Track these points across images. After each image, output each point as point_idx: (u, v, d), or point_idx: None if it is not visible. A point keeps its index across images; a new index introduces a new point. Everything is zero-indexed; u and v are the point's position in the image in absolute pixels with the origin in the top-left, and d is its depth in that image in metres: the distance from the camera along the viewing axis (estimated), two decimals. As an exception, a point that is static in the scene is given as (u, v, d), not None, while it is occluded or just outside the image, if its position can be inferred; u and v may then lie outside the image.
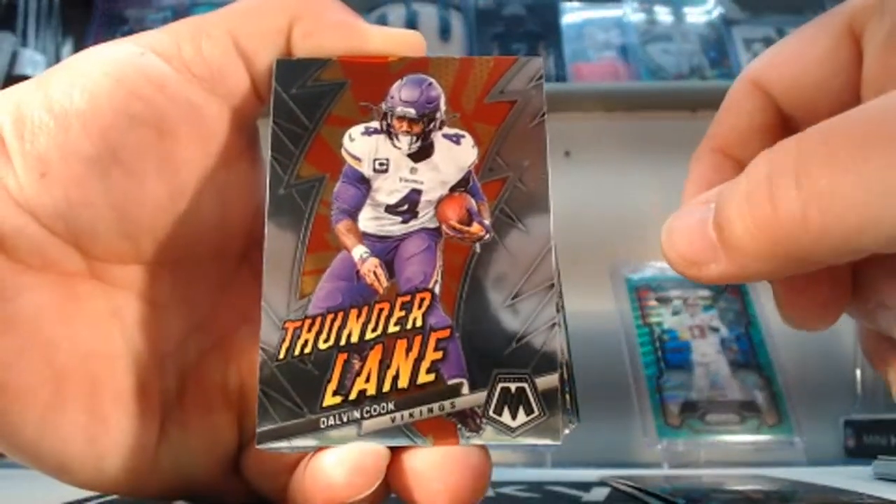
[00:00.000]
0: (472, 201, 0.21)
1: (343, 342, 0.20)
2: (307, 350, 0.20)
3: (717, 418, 0.64)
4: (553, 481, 0.44)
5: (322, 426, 0.20)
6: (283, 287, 0.20)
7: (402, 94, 0.22)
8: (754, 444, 0.64)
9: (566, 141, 0.85)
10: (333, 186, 0.21)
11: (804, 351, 0.72)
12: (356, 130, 0.22)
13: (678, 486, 0.38)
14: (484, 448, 0.20)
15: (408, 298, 0.20)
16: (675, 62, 0.89)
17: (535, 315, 0.20)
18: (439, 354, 0.20)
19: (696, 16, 0.93)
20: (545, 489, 0.40)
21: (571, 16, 0.92)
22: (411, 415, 0.20)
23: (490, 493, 0.37)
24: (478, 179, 0.21)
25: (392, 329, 0.20)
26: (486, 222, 0.21)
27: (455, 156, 0.21)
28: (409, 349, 0.20)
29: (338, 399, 0.20)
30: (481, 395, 0.20)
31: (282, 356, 0.20)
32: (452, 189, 0.21)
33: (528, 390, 0.20)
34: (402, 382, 0.20)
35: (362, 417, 0.20)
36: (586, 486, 0.41)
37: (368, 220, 0.21)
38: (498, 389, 0.20)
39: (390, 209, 0.21)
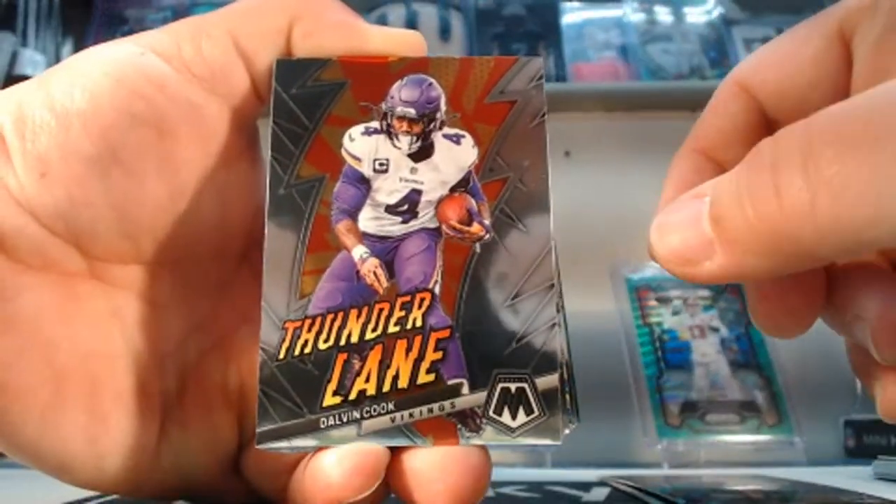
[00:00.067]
0: (472, 201, 0.21)
1: (343, 342, 0.20)
2: (307, 350, 0.20)
3: (717, 418, 0.64)
4: (553, 481, 0.44)
5: (322, 426, 0.20)
6: (283, 287, 0.20)
7: (402, 94, 0.22)
8: (754, 444, 0.64)
9: (566, 141, 0.85)
10: (333, 186, 0.21)
11: (804, 351, 0.72)
12: (356, 130, 0.22)
13: (678, 486, 0.38)
14: (484, 448, 0.20)
15: (408, 298, 0.20)
16: (675, 62, 0.89)
17: (535, 315, 0.20)
18: (439, 354, 0.20)
19: (696, 16, 0.93)
20: (545, 489, 0.40)
21: (571, 16, 0.92)
22: (411, 415, 0.20)
23: (490, 493, 0.37)
24: (478, 179, 0.21)
25: (392, 329, 0.20)
26: (486, 222, 0.21)
27: (455, 156, 0.21)
28: (409, 349, 0.20)
29: (338, 399, 0.20)
30: (481, 396, 0.20)
31: (282, 356, 0.20)
32: (452, 189, 0.21)
33: (528, 390, 0.20)
34: (402, 382, 0.20)
35: (362, 417, 0.20)
36: (586, 486, 0.41)
37: (368, 220, 0.21)
38: (498, 389, 0.20)
39: (390, 209, 0.21)
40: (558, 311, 0.21)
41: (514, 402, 0.20)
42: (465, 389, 0.20)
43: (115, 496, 0.25)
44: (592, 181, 0.83)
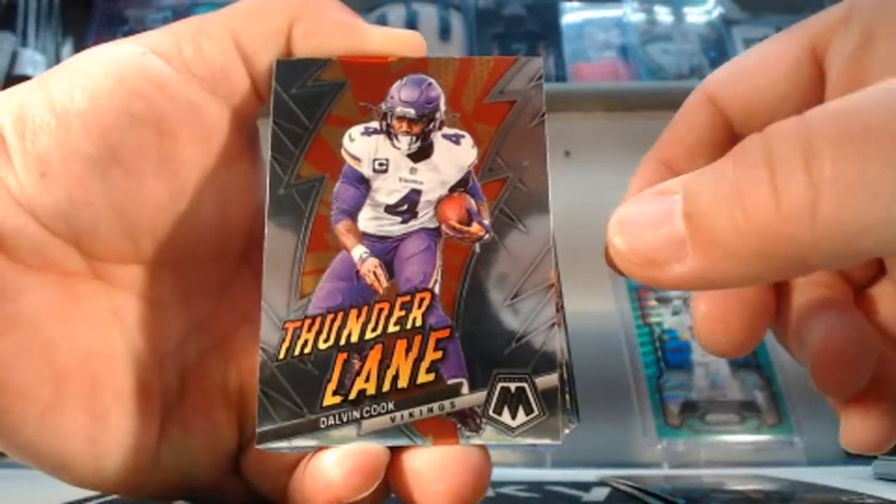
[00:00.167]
0: (472, 201, 0.21)
1: (343, 342, 0.20)
2: (307, 350, 0.20)
3: (717, 418, 0.64)
4: (553, 481, 0.44)
5: (322, 426, 0.20)
6: (283, 287, 0.20)
7: (401, 94, 0.22)
8: (754, 444, 0.64)
9: (566, 141, 0.85)
10: (333, 186, 0.21)
11: (804, 351, 0.72)
12: (356, 130, 0.22)
13: (678, 486, 0.38)
14: (484, 448, 0.20)
15: (407, 298, 0.20)
16: (675, 62, 0.89)
17: (535, 315, 0.20)
18: (439, 354, 0.20)
19: (696, 16, 0.93)
20: (545, 489, 0.40)
21: (571, 16, 0.92)
22: (411, 414, 0.20)
23: (490, 493, 0.37)
24: (477, 179, 0.21)
25: (392, 329, 0.20)
26: (486, 222, 0.21)
27: (455, 156, 0.21)
28: (408, 349, 0.20)
29: (338, 399, 0.20)
30: (481, 395, 0.20)
31: (282, 356, 0.20)
32: (452, 189, 0.21)
33: (527, 390, 0.20)
34: (402, 382, 0.20)
35: (362, 417, 0.20)
36: (586, 486, 0.41)
37: (368, 220, 0.21)
38: (498, 389, 0.20)
39: (390, 209, 0.21)
40: (558, 310, 0.21)
41: (513, 401, 0.20)
42: (465, 389, 0.20)
43: (115, 496, 0.25)
44: (592, 181, 0.83)
